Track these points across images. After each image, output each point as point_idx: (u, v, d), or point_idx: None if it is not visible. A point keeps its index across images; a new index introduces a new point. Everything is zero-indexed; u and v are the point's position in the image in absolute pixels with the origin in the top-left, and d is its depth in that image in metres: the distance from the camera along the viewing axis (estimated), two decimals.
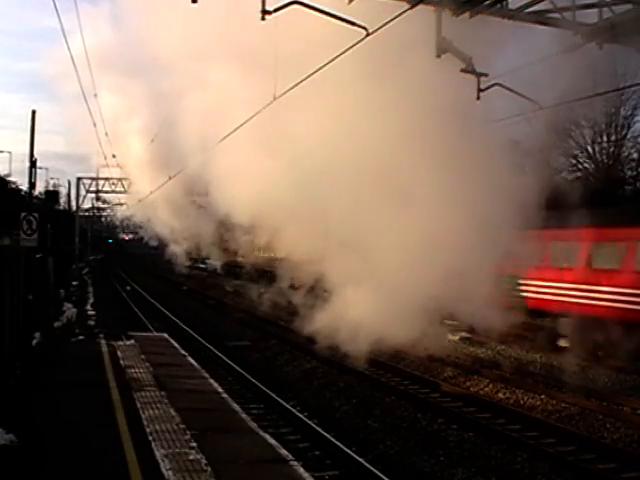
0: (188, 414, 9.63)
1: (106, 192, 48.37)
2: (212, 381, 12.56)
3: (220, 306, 31.00)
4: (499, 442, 10.79)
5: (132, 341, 16.59)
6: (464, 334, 21.61)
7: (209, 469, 7.41)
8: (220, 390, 11.78)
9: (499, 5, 10.59)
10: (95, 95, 29.44)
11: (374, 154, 14.49)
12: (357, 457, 9.49)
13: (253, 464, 7.84)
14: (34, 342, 14.24)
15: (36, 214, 13.65)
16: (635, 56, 15.11)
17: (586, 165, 39.57)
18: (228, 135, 17.49)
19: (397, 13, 10.26)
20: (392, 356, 17.40)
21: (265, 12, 10.74)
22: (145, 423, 9.06)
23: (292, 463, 7.92)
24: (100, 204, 61.12)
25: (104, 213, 72.08)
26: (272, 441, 8.74)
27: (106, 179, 46.74)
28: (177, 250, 53.33)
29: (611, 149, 37.96)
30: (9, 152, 32.07)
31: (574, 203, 16.51)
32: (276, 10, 10.92)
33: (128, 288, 42.24)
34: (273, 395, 13.11)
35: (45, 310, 17.12)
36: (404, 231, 14.28)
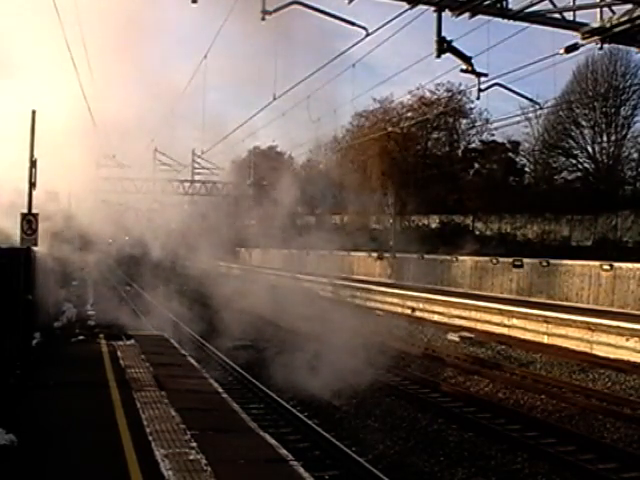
0: (188, 414, 9.62)
1: (106, 192, 48.26)
2: (212, 381, 12.55)
3: None
4: (499, 442, 10.80)
5: (132, 341, 16.58)
6: (464, 334, 21.66)
7: (209, 469, 7.40)
8: (220, 390, 11.78)
9: (499, 5, 10.59)
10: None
11: None
12: (357, 457, 9.49)
13: (253, 464, 7.83)
14: (34, 342, 14.22)
15: (36, 214, 13.62)
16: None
17: (586, 165, 39.62)
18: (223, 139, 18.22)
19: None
20: None
21: (265, 12, 10.74)
22: (145, 423, 9.05)
23: (292, 463, 7.91)
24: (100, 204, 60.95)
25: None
26: (272, 441, 8.73)
27: (106, 179, 46.62)
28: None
29: (611, 149, 37.99)
30: None
31: None
32: (276, 10, 10.92)
33: (128, 288, 42.24)
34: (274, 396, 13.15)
35: (45, 310, 17.10)
36: None
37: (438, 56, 11.15)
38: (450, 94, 45.09)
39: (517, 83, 15.60)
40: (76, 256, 30.83)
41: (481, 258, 32.39)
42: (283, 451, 8.33)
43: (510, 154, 45.69)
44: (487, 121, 44.49)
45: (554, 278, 27.31)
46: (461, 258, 33.42)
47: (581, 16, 11.04)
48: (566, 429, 11.65)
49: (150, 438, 8.39)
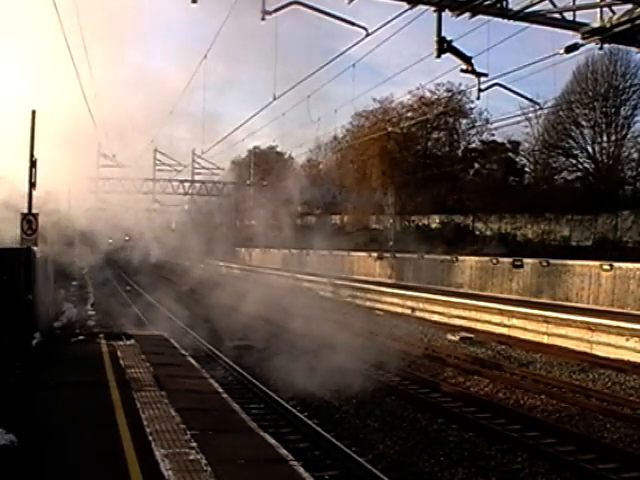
0: (188, 414, 9.63)
1: (106, 192, 48.30)
2: (212, 381, 12.55)
3: None
4: (499, 442, 10.79)
5: (132, 341, 16.58)
6: (464, 334, 21.65)
7: (209, 469, 7.40)
8: (220, 390, 11.78)
9: (499, 5, 10.58)
10: (95, 95, 29.43)
11: None
12: (357, 457, 9.49)
13: (253, 464, 7.83)
14: (34, 342, 14.22)
15: (36, 214, 13.62)
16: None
17: (586, 165, 39.63)
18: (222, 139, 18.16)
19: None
20: None
21: (265, 12, 10.74)
22: (145, 423, 9.05)
23: (292, 463, 7.91)
24: (100, 204, 61.05)
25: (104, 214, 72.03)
26: (272, 441, 8.74)
27: (106, 179, 46.66)
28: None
29: (611, 149, 37.99)
30: None
31: None
32: (276, 10, 10.91)
33: (128, 288, 42.25)
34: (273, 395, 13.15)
35: (45, 310, 17.10)
36: None
37: (438, 56, 11.13)
38: (450, 94, 45.12)
39: (517, 83, 15.62)
40: (75, 256, 31.10)
41: (481, 258, 32.39)
42: (283, 451, 8.34)
43: (510, 154, 45.70)
44: (487, 121, 44.58)
45: (554, 278, 27.30)
46: (461, 258, 33.43)
47: (581, 16, 11.04)
48: (566, 429, 11.64)
49: (150, 438, 8.39)
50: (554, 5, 10.88)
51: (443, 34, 10.95)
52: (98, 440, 8.31)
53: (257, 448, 8.41)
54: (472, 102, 44.29)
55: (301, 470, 7.66)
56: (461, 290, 30.83)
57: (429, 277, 34.51)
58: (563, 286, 26.68)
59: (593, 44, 11.06)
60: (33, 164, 13.08)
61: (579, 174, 39.91)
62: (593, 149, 38.86)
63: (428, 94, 45.45)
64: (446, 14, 10.75)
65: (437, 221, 45.33)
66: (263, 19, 10.78)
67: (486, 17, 11.29)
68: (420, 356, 18.49)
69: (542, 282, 27.97)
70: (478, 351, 19.36)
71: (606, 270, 24.60)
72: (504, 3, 10.62)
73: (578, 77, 37.79)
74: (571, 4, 10.96)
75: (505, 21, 10.97)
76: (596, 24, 10.69)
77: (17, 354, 11.53)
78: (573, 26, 10.97)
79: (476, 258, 32.78)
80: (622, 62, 36.14)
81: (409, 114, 45.57)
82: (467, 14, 10.67)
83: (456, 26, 11.18)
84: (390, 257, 39.31)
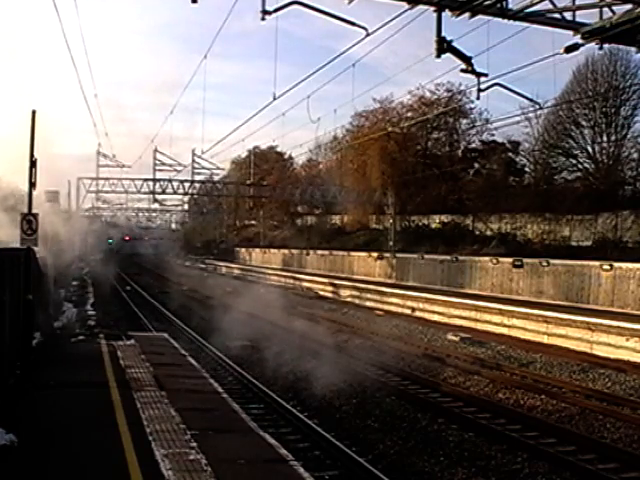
0: (188, 414, 9.63)
1: (106, 192, 48.29)
2: (212, 381, 12.56)
3: None
4: (499, 442, 10.80)
5: (132, 341, 16.59)
6: (463, 334, 21.65)
7: (209, 469, 7.41)
8: (220, 390, 11.78)
9: (499, 5, 10.58)
10: (95, 95, 29.51)
11: None
12: (357, 457, 9.49)
13: (253, 464, 7.84)
14: (34, 342, 14.21)
15: (36, 214, 13.60)
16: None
17: (586, 165, 39.60)
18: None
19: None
20: None
21: (265, 12, 10.73)
22: (145, 423, 9.06)
23: (292, 463, 7.91)
24: (100, 204, 61.06)
25: (105, 213, 72.04)
26: (272, 441, 8.74)
27: (106, 179, 46.63)
28: None
29: (611, 149, 37.96)
30: None
31: None
32: (276, 10, 10.91)
33: (128, 288, 42.26)
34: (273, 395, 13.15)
35: (45, 310, 17.09)
36: None
37: (438, 56, 11.12)
38: (450, 94, 45.10)
39: (517, 83, 15.62)
40: (75, 257, 31.10)
41: (481, 258, 32.37)
42: (283, 451, 8.34)
43: (510, 154, 45.68)
44: (487, 121, 44.56)
45: (554, 278, 27.29)
46: (461, 258, 33.41)
47: (581, 16, 11.04)
48: (566, 429, 11.65)
49: (150, 438, 8.39)
50: (554, 5, 10.87)
51: (443, 34, 10.95)
52: (98, 440, 8.31)
53: (257, 448, 8.41)
54: (472, 102, 44.30)
55: (301, 470, 7.66)
56: (461, 290, 30.78)
57: (429, 277, 34.48)
58: (563, 286, 26.66)
59: (593, 44, 11.06)
60: (33, 164, 13.08)
61: (579, 174, 39.87)
62: (593, 149, 38.83)
63: (428, 94, 45.47)
64: (446, 14, 10.75)
65: (437, 221, 45.30)
66: (263, 19, 10.78)
67: (486, 17, 11.29)
68: (420, 356, 18.50)
69: (542, 282, 27.95)
70: (478, 351, 19.35)
71: (606, 270, 24.59)
72: (504, 3, 10.62)
73: (578, 77, 37.79)
74: (571, 4, 10.96)
75: (505, 21, 10.97)
76: (596, 24, 10.69)
77: (17, 354, 11.53)
78: (573, 26, 10.97)
79: (476, 258, 32.73)
80: (622, 62, 36.13)
81: (409, 114, 45.56)
82: (467, 14, 10.66)
83: (456, 26, 11.18)
84: (390, 257, 39.30)
